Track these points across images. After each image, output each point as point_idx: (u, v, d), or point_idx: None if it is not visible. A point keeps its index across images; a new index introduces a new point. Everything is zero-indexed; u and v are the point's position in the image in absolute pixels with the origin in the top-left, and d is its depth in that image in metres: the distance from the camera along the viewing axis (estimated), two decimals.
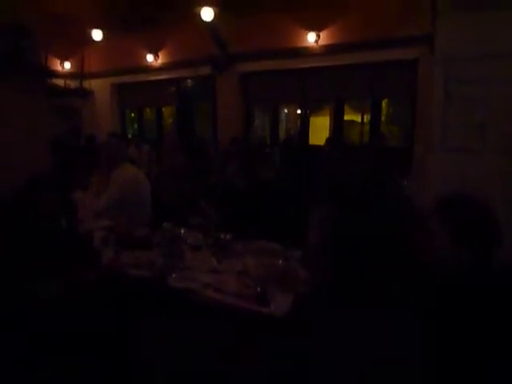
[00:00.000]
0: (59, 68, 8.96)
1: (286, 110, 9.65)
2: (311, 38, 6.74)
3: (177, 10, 7.19)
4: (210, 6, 5.87)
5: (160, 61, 8.48)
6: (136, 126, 9.91)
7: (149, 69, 8.57)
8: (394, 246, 0.81)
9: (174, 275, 1.90)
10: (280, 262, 1.98)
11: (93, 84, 9.38)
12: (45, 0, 4.32)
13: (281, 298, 1.68)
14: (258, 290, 1.74)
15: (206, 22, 6.17)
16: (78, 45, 8.75)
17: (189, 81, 8.73)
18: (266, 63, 7.23)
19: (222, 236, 2.37)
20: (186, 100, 8.77)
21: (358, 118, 8.01)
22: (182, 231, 2.33)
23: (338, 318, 0.80)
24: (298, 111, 8.54)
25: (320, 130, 8.28)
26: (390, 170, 3.84)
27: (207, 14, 5.85)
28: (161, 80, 8.63)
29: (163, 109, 9.38)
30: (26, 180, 1.94)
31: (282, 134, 8.35)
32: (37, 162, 3.87)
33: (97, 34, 7.40)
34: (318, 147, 6.96)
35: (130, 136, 9.49)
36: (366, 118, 7.63)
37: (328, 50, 6.71)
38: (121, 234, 2.33)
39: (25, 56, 3.86)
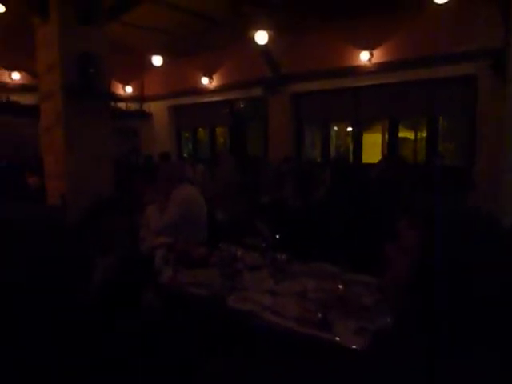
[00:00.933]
0: (121, 92, 9.53)
1: (335, 128, 9.60)
2: (364, 56, 6.70)
3: (231, 35, 7.48)
4: (263, 29, 6.02)
5: (214, 83, 8.78)
6: (190, 145, 10.24)
7: (203, 91, 8.90)
8: (496, 277, 0.75)
9: (232, 296, 1.91)
10: (340, 286, 1.93)
11: (151, 106, 9.90)
12: (110, 30, 4.65)
13: (343, 325, 1.63)
14: (319, 315, 1.70)
15: (259, 45, 6.32)
16: (138, 70, 9.30)
17: (241, 102, 8.95)
18: (318, 83, 7.28)
19: (278, 256, 2.36)
20: (238, 120, 8.98)
21: (411, 135, 7.76)
22: (239, 251, 2.35)
23: (428, 357, 0.75)
24: (349, 128, 8.45)
25: (371, 147, 8.11)
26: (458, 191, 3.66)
27: (261, 37, 6.00)
28: (215, 101, 8.92)
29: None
30: (96, 200, 2.05)
31: (332, 152, 8.30)
32: (106, 182, 4.12)
33: (157, 60, 7.82)
34: (370, 165, 6.81)
35: (185, 155, 9.84)
36: (420, 134, 7.39)
37: (381, 68, 6.63)
38: (179, 252, 2.38)
39: (94, 82, 4.15)
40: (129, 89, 9.64)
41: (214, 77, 8.76)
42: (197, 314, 1.98)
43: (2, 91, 7.65)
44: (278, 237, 2.71)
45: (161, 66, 8.42)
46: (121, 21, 5.64)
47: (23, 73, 7.80)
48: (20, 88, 7.86)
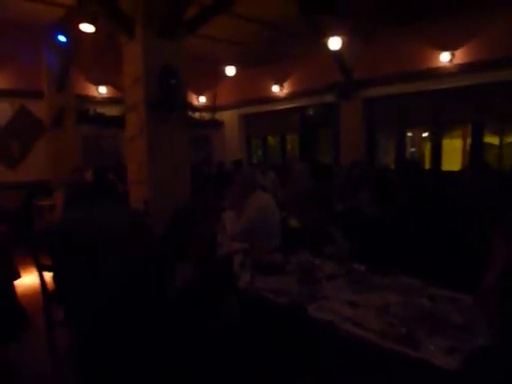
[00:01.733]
0: (195, 102, 9.95)
1: (409, 133, 9.16)
2: (445, 57, 6.33)
3: (302, 43, 7.51)
4: (337, 35, 5.94)
5: (285, 91, 8.84)
6: (260, 152, 10.38)
7: (274, 99, 9.00)
8: None
9: (313, 305, 1.88)
10: (426, 301, 1.82)
11: (223, 115, 10.22)
12: (188, 43, 4.89)
13: (432, 343, 1.53)
14: (404, 330, 1.61)
15: (332, 51, 6.25)
16: (212, 81, 9.66)
17: (311, 108, 8.90)
18: (393, 87, 7.02)
19: (356, 267, 2.29)
20: (308, 127, 8.94)
21: (495, 141, 7.16)
22: (317, 260, 2.32)
23: None
24: (424, 134, 8.02)
25: (450, 153, 7.62)
26: None
27: (334, 43, 5.93)
28: (285, 109, 8.98)
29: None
30: (183, 206, 2.14)
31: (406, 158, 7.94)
32: (183, 188, 4.31)
33: (230, 70, 8.06)
34: (450, 172, 6.41)
35: (254, 162, 10.00)
36: (505, 140, 6.80)
37: (464, 69, 6.22)
38: (256, 258, 2.41)
39: (174, 94, 4.38)
40: (202, 99, 10.03)
41: (285, 84, 8.82)
42: (275, 320, 1.98)
43: (91, 104, 8.36)
44: (353, 246, 2.64)
45: (233, 76, 8.67)
46: (196, 33, 5.92)
47: (109, 87, 8.46)
48: (106, 101, 8.54)
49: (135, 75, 4.38)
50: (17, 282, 3.32)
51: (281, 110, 9.07)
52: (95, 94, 8.45)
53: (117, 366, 2.30)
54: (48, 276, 3.13)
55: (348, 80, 7.37)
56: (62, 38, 6.89)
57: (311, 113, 8.99)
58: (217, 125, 10.17)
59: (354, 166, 6.70)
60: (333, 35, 6.10)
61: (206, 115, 10.03)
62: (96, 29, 6.08)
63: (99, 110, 8.38)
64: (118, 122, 8.22)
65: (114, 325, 2.45)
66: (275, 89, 8.88)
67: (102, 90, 8.46)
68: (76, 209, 3.01)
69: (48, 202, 6.30)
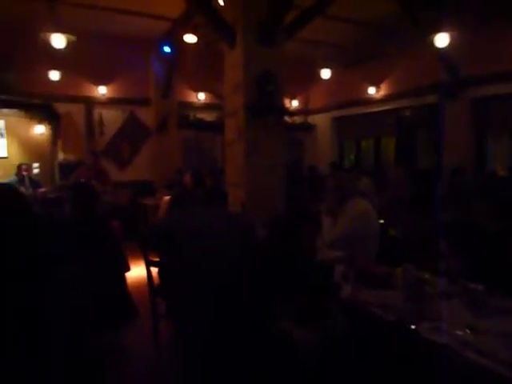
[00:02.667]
0: (288, 105, 10.00)
1: None
2: None
3: (402, 42, 7.13)
4: (444, 31, 5.52)
5: (381, 92, 8.47)
6: (352, 156, 10.09)
7: (369, 101, 8.68)
8: None
9: (424, 324, 1.74)
10: None
11: (315, 118, 10.13)
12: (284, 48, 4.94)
13: None
14: None
15: (437, 49, 5.82)
16: (305, 84, 9.64)
17: (410, 110, 8.40)
18: (508, 86, 6.30)
19: (473, 286, 2.07)
20: (406, 129, 8.45)
21: None
22: (426, 275, 2.15)
23: None
24: None
25: None
26: None
27: (442, 40, 5.51)
28: (380, 111, 8.60)
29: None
30: (286, 213, 2.14)
31: None
32: (279, 191, 4.35)
33: (325, 73, 7.96)
34: None
35: (346, 167, 9.74)
36: None
37: None
38: (359, 269, 2.31)
39: (272, 99, 4.44)
40: (295, 102, 10.05)
41: (382, 86, 8.45)
42: (381, 336, 1.87)
43: (191, 109, 8.88)
44: (468, 262, 2.40)
45: (326, 79, 8.55)
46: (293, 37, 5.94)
47: (207, 93, 8.90)
48: (204, 107, 9.00)
49: (235, 82, 4.53)
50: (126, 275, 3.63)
51: (376, 112, 8.70)
52: (195, 100, 8.95)
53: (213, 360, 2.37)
54: (154, 271, 3.38)
55: (454, 79, 6.81)
56: (167, 49, 7.42)
57: (409, 115, 8.48)
58: (309, 128, 10.13)
59: (458, 172, 6.17)
60: (439, 31, 5.67)
61: (298, 118, 10.03)
62: (197, 39, 6.44)
63: (199, 115, 8.86)
64: (216, 127, 8.63)
65: (212, 322, 2.53)
66: (371, 90, 8.55)
67: (201, 96, 8.92)
68: (180, 209, 3.19)
69: (152, 201, 6.81)
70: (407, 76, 7.80)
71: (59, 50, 5.54)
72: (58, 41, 5.19)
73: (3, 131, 7.49)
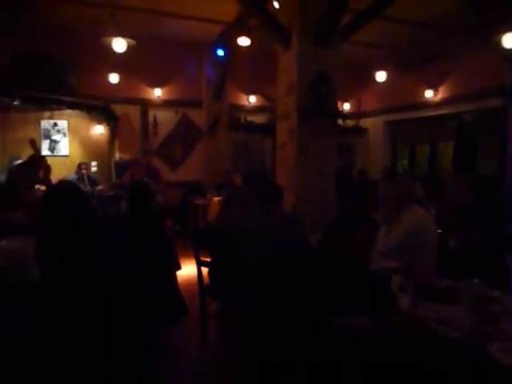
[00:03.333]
0: (340, 109, 9.81)
1: None
2: None
3: (465, 43, 6.76)
4: None
5: (440, 95, 8.09)
6: (406, 161, 9.72)
7: (425, 105, 8.31)
8: None
9: (494, 345, 1.61)
10: None
11: (367, 122, 9.87)
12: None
13: None
14: None
15: (504, 50, 5.46)
16: (358, 87, 9.42)
17: (470, 114, 7.94)
18: None
19: None
20: (466, 134, 8.00)
21: None
22: (494, 292, 1.99)
23: None
24: None
25: None
26: None
27: (510, 40, 5.16)
28: (438, 115, 8.21)
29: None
30: (342, 217, 2.07)
31: None
32: (329, 195, 4.26)
33: (381, 76, 7.72)
34: None
35: (399, 172, 9.40)
36: None
37: None
38: (419, 281, 2.19)
39: (326, 101, 4.36)
40: (346, 105, 9.84)
41: (440, 89, 8.06)
42: (442, 354, 1.75)
43: (241, 112, 8.95)
44: None
45: (380, 81, 8.29)
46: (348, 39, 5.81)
47: (258, 96, 8.94)
48: (254, 109, 9.05)
49: (289, 84, 4.49)
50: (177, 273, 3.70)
51: (433, 116, 8.31)
52: (246, 103, 9.02)
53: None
54: (204, 271, 3.41)
55: None
56: (220, 52, 7.52)
57: (470, 119, 8.02)
58: (360, 132, 9.89)
59: None
60: (506, 31, 5.31)
61: (349, 122, 9.81)
62: (251, 42, 6.48)
63: (249, 118, 8.92)
64: (265, 129, 8.65)
65: (264, 323, 2.50)
66: (428, 94, 8.19)
67: (252, 99, 8.98)
68: (233, 210, 3.20)
69: (202, 202, 6.93)
70: (469, 78, 7.39)
71: (118, 54, 5.78)
72: (119, 45, 5.42)
73: (66, 131, 7.95)
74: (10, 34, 6.53)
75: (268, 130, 8.60)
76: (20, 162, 6.28)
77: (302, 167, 4.34)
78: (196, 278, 3.37)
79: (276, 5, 4.99)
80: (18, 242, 3.21)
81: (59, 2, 6.05)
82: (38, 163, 5.65)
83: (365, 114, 9.87)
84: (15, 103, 6.65)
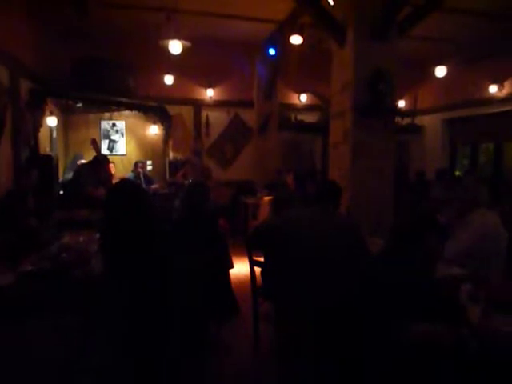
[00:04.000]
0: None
1: None
2: None
3: None
4: None
5: (505, 91, 7.54)
6: (466, 162, 9.18)
7: (489, 101, 7.79)
8: None
9: None
10: None
11: (423, 120, 9.44)
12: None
13: None
14: None
15: None
16: (414, 83, 9.02)
17: None
18: None
19: None
20: None
21: None
22: None
23: None
24: None
25: None
26: None
27: None
28: (504, 112, 7.65)
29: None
30: (409, 220, 1.96)
31: None
32: (386, 196, 4.11)
33: (440, 71, 7.34)
34: None
35: (457, 173, 8.91)
36: None
37: None
38: (493, 291, 2.02)
39: (383, 99, 4.19)
40: (401, 102, 9.46)
41: (506, 84, 7.52)
42: None
43: (292, 111, 8.88)
44: None
45: (437, 77, 7.89)
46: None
47: (309, 94, 8.82)
48: (305, 108, 8.94)
49: (344, 81, 4.38)
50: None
51: (497, 113, 7.77)
52: (296, 101, 8.94)
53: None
54: (257, 271, 3.39)
55: None
56: (271, 52, 7.50)
57: None
58: (416, 130, 9.46)
59: None
60: None
61: (404, 120, 9.40)
62: (303, 40, 6.38)
63: (300, 116, 8.83)
64: (316, 128, 8.53)
65: (321, 327, 2.43)
66: (492, 89, 7.66)
67: (303, 98, 8.87)
68: (287, 211, 3.15)
69: (252, 201, 6.94)
70: None
71: (173, 55, 5.92)
72: (175, 47, 5.54)
73: (124, 131, 8.29)
74: (71, 38, 6.92)
75: (319, 129, 8.47)
76: (84, 161, 6.61)
77: (356, 167, 4.21)
78: (247, 277, 3.36)
79: (330, 1, 4.88)
80: (81, 237, 3.37)
81: (117, 7, 6.30)
82: (102, 163, 5.93)
83: (421, 112, 9.43)
84: (78, 105, 7.03)
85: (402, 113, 8.90)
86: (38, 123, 5.92)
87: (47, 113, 6.29)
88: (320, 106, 8.52)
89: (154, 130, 8.16)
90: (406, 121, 9.41)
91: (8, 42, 4.95)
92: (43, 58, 6.41)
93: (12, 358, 1.13)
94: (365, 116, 4.18)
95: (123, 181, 2.45)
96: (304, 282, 2.56)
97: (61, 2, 5.19)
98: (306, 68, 8.01)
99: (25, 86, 5.65)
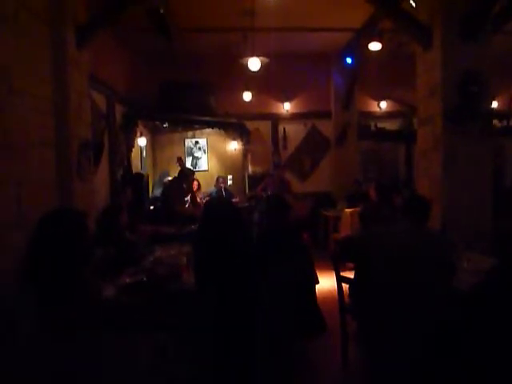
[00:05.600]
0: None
1: None
2: None
3: None
4: None
5: None
6: None
7: None
8: None
9: None
10: None
11: None
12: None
13: None
14: None
15: None
16: (509, 82, 8.26)
17: None
18: None
19: None
20: None
21: None
22: None
23: None
24: None
25: None
26: None
27: None
28: None
29: None
30: None
31: None
32: (484, 208, 3.78)
33: None
34: None
35: None
36: None
37: None
38: None
39: (476, 102, 3.88)
40: (494, 103, 8.68)
41: None
42: None
43: (371, 119, 8.58)
44: None
45: None
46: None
47: (389, 101, 8.48)
48: (385, 115, 8.60)
49: (431, 85, 4.12)
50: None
51: None
52: (376, 109, 8.65)
53: None
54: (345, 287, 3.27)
55: None
56: (349, 60, 7.36)
57: None
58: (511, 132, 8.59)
59: None
60: None
61: (497, 122, 8.60)
62: (381, 46, 6.18)
63: (379, 124, 8.52)
64: (398, 136, 8.15)
65: (415, 353, 2.27)
66: None
67: (383, 105, 8.56)
68: (376, 226, 3.02)
69: (332, 213, 6.79)
70: None
71: (251, 72, 6.06)
72: (254, 64, 5.68)
73: (206, 148, 8.67)
74: (156, 64, 7.42)
75: (401, 136, 8.08)
76: (170, 178, 7.00)
77: (449, 177, 3.91)
78: (331, 293, 3.25)
79: (412, 3, 4.67)
80: (172, 251, 3.54)
81: (196, 31, 6.63)
82: (187, 178, 6.24)
83: None
84: (165, 126, 7.50)
85: (499, 115, 8.17)
86: (131, 144, 6.42)
87: (138, 134, 6.79)
88: (402, 112, 8.15)
89: (234, 146, 8.41)
90: (501, 123, 8.60)
91: (104, 72, 5.45)
92: (133, 84, 6.97)
93: (119, 371, 1.19)
94: (457, 121, 3.88)
95: (219, 198, 2.53)
96: (394, 307, 2.41)
97: (147, 30, 5.59)
98: (386, 74, 7.73)
99: (119, 110, 6.18)
